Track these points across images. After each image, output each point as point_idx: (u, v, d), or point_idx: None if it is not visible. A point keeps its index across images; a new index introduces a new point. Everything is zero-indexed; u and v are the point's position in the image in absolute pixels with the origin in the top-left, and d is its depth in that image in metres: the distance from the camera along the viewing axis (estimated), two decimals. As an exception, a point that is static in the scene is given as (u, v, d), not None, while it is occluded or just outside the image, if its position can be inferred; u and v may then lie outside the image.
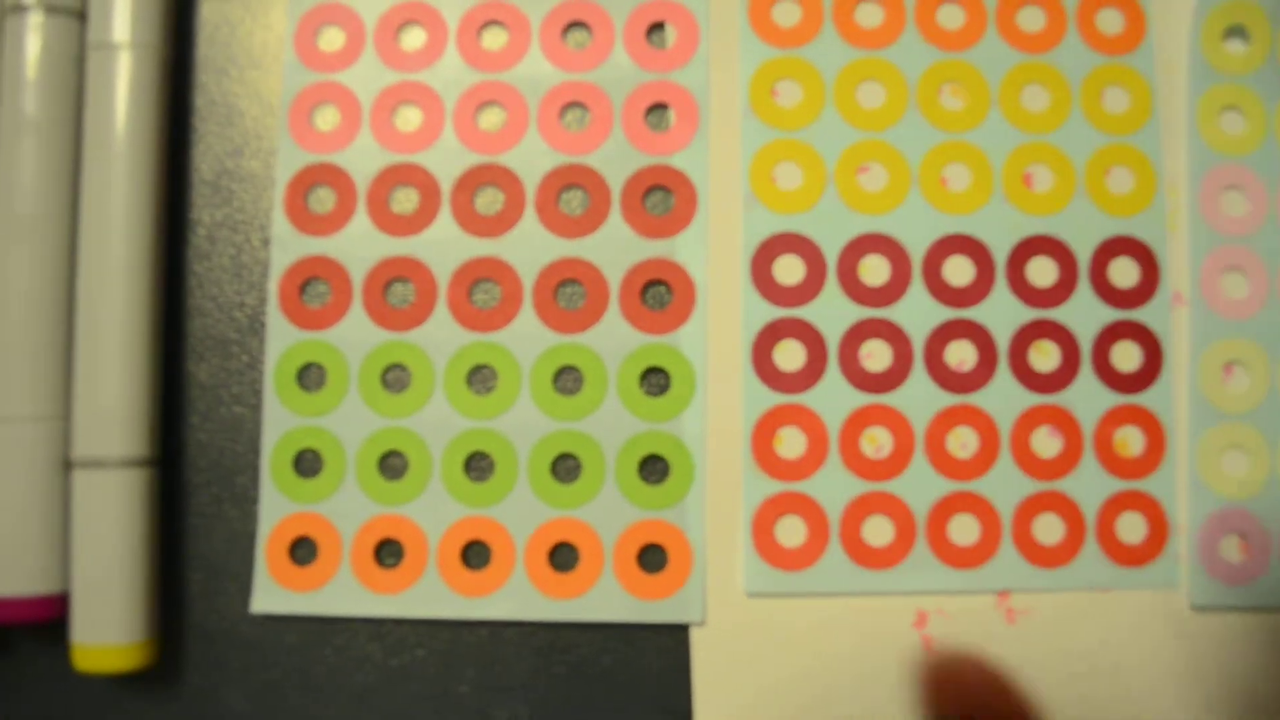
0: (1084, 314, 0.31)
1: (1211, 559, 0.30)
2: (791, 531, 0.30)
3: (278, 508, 0.30)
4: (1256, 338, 0.31)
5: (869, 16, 0.31)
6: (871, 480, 0.30)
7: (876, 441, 0.30)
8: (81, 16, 0.30)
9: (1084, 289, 0.31)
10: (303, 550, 0.30)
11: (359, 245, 0.30)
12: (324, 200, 0.31)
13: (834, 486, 0.30)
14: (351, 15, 0.31)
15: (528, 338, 0.30)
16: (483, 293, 0.31)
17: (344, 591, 0.29)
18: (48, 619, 0.28)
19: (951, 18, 0.31)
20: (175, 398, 0.31)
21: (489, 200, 0.31)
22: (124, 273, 0.29)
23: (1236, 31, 0.32)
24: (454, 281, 0.30)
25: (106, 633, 0.28)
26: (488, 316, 0.30)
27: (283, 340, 0.30)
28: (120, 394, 0.28)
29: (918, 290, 0.30)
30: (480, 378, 0.30)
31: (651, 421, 0.30)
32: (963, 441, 0.30)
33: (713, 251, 0.30)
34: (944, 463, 0.30)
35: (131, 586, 0.28)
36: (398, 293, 0.31)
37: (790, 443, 0.30)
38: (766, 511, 0.30)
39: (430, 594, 0.29)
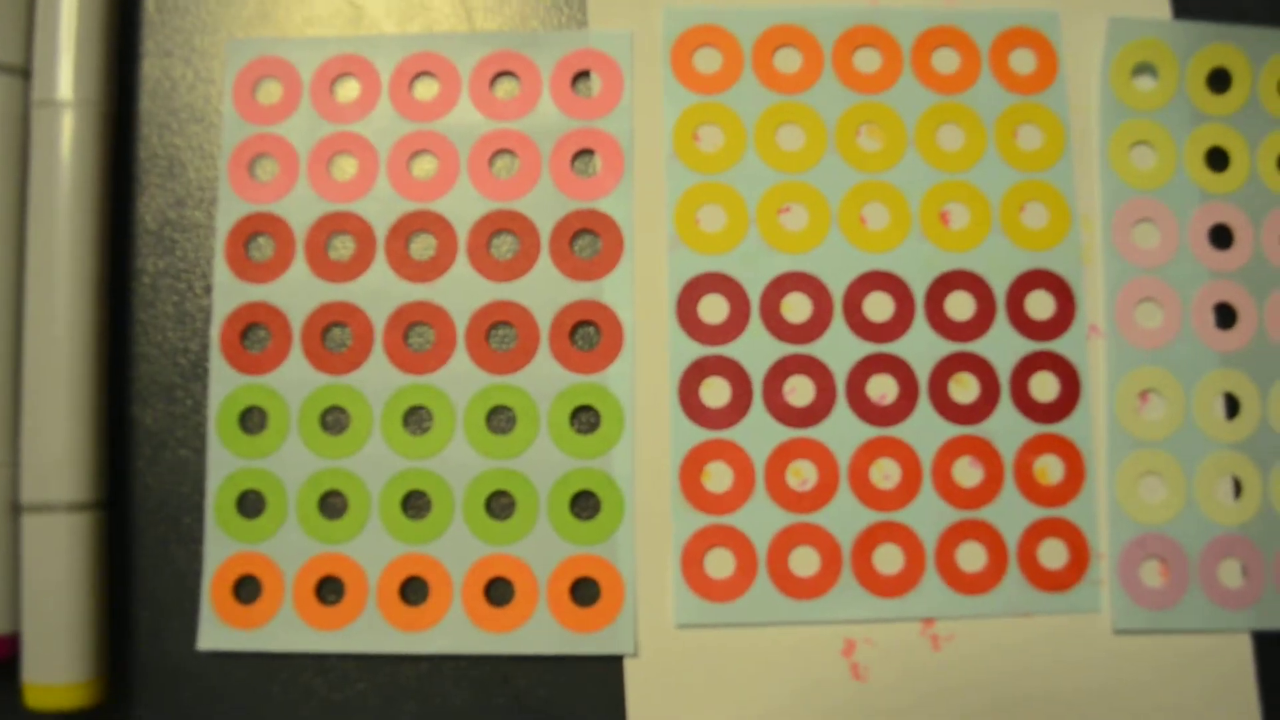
0: (1002, 346, 0.31)
1: (1132, 583, 0.31)
2: (720, 564, 0.30)
3: (222, 548, 0.31)
4: (1170, 366, 0.31)
5: (787, 62, 0.32)
6: (797, 512, 0.31)
7: (801, 475, 0.31)
8: (26, 74, 0.31)
9: (1001, 322, 0.31)
10: (246, 589, 0.31)
11: (298, 292, 0.31)
12: (263, 248, 0.32)
13: (761, 519, 0.31)
14: (288, 69, 0.32)
15: (461, 379, 0.31)
16: (417, 336, 0.31)
17: (287, 628, 0.30)
18: (-1, 659, 0.29)
19: (868, 61, 0.32)
20: (122, 442, 0.31)
21: (422, 246, 0.32)
22: (70, 321, 0.30)
23: (1145, 68, 0.33)
24: (389, 325, 0.31)
25: (57, 671, 0.29)
26: (422, 359, 0.31)
27: (225, 385, 0.31)
28: (67, 440, 0.29)
29: (839, 326, 0.31)
30: (416, 419, 0.31)
31: (582, 459, 0.31)
32: (885, 473, 0.31)
33: (639, 292, 0.31)
34: (868, 494, 0.31)
35: (80, 626, 0.29)
36: (335, 337, 0.31)
37: (717, 477, 0.31)
38: (695, 545, 0.30)
39: (370, 630, 0.30)
